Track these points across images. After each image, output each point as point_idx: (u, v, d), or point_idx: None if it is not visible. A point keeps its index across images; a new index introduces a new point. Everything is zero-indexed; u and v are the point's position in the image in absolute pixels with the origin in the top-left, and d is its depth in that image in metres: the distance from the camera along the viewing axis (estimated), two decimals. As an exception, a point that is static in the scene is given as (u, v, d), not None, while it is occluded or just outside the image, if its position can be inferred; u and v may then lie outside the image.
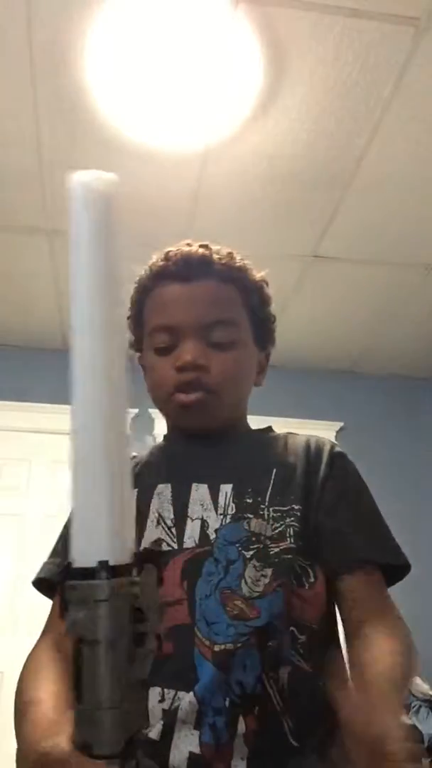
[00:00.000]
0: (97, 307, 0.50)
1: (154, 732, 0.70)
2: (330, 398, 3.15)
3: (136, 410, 3.21)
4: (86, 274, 0.51)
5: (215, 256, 0.90)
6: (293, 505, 0.81)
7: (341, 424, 3.19)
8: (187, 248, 0.90)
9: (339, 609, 0.82)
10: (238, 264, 0.92)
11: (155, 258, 0.92)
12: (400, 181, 2.07)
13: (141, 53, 1.63)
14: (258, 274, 0.94)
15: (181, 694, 0.71)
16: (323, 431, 2.69)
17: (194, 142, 1.92)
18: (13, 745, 0.67)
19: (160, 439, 3.24)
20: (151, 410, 3.18)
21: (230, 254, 0.91)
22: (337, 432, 3.15)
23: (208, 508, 0.82)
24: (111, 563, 0.45)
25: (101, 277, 0.51)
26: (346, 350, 3.14)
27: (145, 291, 0.92)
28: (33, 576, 0.88)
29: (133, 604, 0.45)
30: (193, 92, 1.75)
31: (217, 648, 0.72)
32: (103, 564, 0.44)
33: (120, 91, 1.74)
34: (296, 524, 0.80)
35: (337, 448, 0.90)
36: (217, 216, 2.21)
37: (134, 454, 0.95)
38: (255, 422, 0.97)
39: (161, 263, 0.91)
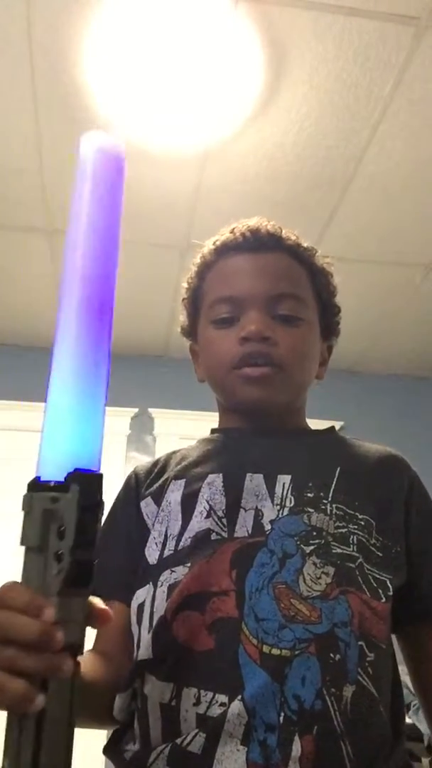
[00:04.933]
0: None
1: (194, 744, 0.62)
2: (330, 398, 3.15)
3: (136, 409, 3.22)
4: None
5: (285, 232, 0.86)
6: (359, 514, 0.75)
7: (341, 423, 3.19)
8: (255, 222, 0.86)
9: (414, 644, 0.79)
10: (307, 245, 0.88)
11: (219, 234, 0.87)
12: (400, 180, 2.07)
13: (141, 53, 1.63)
14: (325, 261, 0.90)
15: (219, 697, 0.63)
16: (323, 431, 2.69)
17: (194, 142, 1.92)
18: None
19: (159, 439, 3.27)
20: (151, 410, 3.19)
21: (298, 236, 0.88)
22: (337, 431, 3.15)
23: (264, 498, 0.74)
24: (42, 479, 0.50)
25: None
26: (346, 350, 3.14)
27: (206, 266, 0.87)
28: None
29: (46, 519, 0.49)
30: (193, 92, 1.75)
31: (266, 650, 0.64)
32: (33, 480, 0.50)
33: (120, 90, 1.74)
34: (360, 533, 0.73)
35: (413, 469, 0.84)
36: (217, 216, 2.20)
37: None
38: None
39: (226, 236, 0.86)
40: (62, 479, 0.48)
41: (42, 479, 0.50)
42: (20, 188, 2.13)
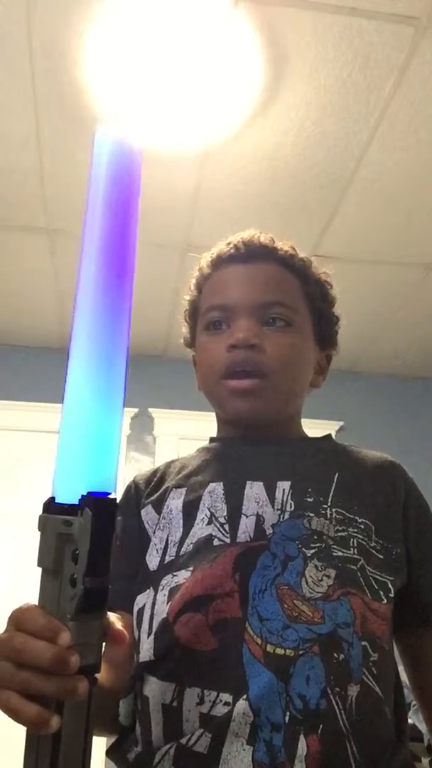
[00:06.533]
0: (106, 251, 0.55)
1: (200, 744, 0.62)
2: (330, 398, 3.15)
3: (136, 409, 3.22)
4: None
5: (278, 244, 0.87)
6: (358, 518, 0.76)
7: (341, 423, 3.19)
8: (249, 234, 0.87)
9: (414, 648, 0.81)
10: (301, 256, 0.89)
11: (216, 247, 0.89)
12: (400, 180, 2.07)
13: (141, 53, 1.63)
14: (322, 271, 0.91)
15: (223, 696, 0.63)
16: (323, 431, 2.69)
17: (194, 141, 1.92)
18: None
19: (159, 439, 3.27)
20: (150, 410, 3.19)
21: (293, 247, 0.89)
22: (337, 432, 3.15)
23: (264, 504, 0.75)
24: (57, 501, 0.50)
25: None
26: (346, 350, 3.13)
27: (203, 279, 0.89)
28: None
29: (60, 543, 0.49)
30: (193, 92, 1.75)
31: (270, 649, 0.65)
32: (49, 500, 0.51)
33: (120, 90, 1.74)
34: (360, 536, 0.74)
35: (410, 476, 0.85)
36: (217, 216, 2.21)
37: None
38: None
39: (221, 248, 0.88)
40: (76, 502, 0.48)
41: (57, 501, 0.50)
42: (20, 188, 2.13)
